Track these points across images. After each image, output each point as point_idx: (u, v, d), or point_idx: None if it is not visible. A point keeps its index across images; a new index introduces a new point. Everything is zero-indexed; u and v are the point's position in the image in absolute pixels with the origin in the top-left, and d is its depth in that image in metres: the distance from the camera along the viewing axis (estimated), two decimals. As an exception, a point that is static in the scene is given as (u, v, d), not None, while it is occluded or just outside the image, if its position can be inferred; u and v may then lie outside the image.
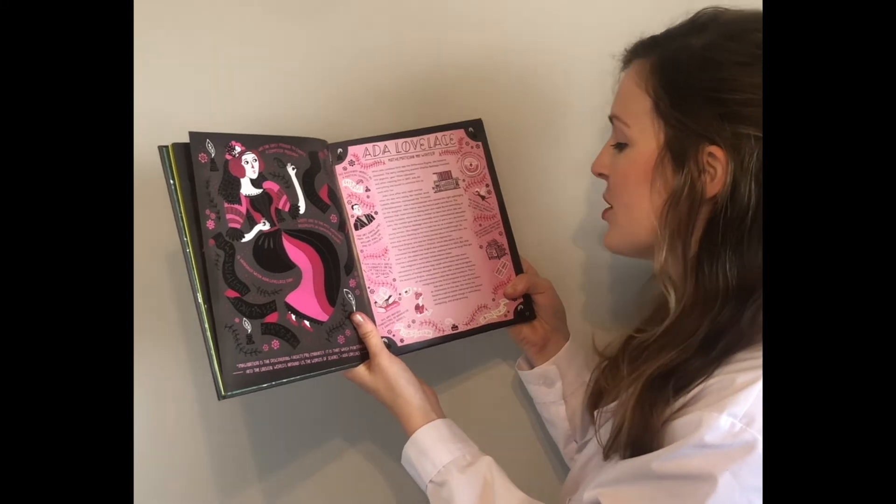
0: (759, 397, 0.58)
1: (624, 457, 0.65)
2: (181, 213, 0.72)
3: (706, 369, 0.63)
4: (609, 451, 0.68)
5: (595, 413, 0.74)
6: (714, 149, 0.64)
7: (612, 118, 0.75)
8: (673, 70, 0.68)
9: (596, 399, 0.76)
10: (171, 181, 0.73)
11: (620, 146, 0.73)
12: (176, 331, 0.92)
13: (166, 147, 0.73)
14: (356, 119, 0.91)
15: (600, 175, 0.77)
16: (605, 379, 0.75)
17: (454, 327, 0.86)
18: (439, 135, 0.88)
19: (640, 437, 0.63)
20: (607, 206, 0.77)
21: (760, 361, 0.60)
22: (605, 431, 0.70)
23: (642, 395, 0.64)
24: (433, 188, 0.87)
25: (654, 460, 0.61)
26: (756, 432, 0.57)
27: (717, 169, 0.64)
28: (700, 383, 0.63)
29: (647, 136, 0.69)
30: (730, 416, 0.58)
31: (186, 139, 0.74)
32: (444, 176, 0.88)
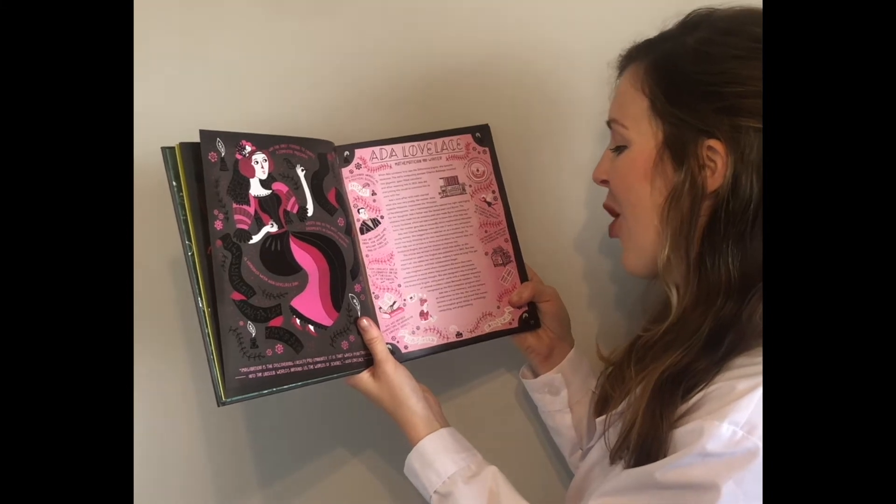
0: (759, 404, 0.58)
1: (630, 461, 0.64)
2: (186, 214, 0.71)
3: (713, 369, 0.62)
4: (616, 454, 0.67)
5: (600, 420, 0.73)
6: (713, 142, 0.64)
7: (609, 123, 0.75)
8: (668, 68, 0.69)
9: (602, 406, 0.75)
10: (174, 183, 0.71)
11: (619, 149, 0.72)
12: (177, 337, 0.91)
13: (170, 148, 0.72)
14: (363, 121, 0.90)
15: (602, 182, 0.77)
16: (611, 385, 0.74)
17: (458, 335, 0.84)
18: (447, 139, 0.87)
19: (648, 440, 0.62)
20: (612, 219, 0.77)
21: (761, 367, 0.59)
22: (612, 435, 0.69)
23: (653, 397, 0.63)
24: (440, 193, 0.86)
25: (656, 470, 0.61)
26: (758, 440, 0.57)
27: (717, 163, 0.64)
28: (700, 390, 0.62)
29: (646, 136, 0.69)
30: (731, 425, 0.58)
31: (188, 140, 0.72)
32: (451, 181, 0.87)
